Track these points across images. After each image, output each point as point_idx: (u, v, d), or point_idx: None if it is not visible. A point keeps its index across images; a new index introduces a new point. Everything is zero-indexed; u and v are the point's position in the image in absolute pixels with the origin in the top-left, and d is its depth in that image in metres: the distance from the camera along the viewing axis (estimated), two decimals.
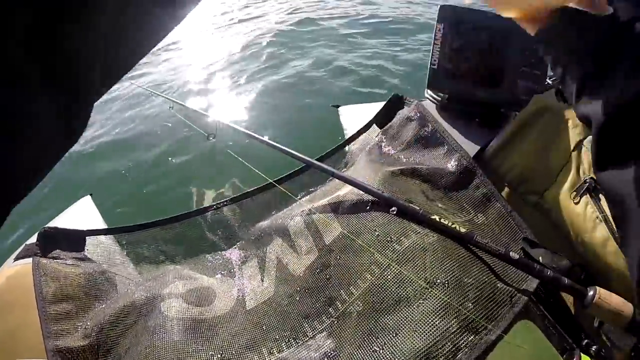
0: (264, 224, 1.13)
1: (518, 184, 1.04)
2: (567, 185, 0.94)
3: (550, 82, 1.19)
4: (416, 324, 0.72)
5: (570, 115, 0.98)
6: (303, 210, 1.05)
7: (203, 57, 4.97)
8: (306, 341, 0.82)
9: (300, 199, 1.17)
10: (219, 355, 0.83)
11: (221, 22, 6.32)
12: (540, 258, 0.84)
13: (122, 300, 0.96)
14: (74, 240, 1.12)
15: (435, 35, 1.16)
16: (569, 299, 0.84)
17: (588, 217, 0.89)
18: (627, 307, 0.72)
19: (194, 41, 5.68)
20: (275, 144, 1.18)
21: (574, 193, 0.92)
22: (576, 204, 0.91)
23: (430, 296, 0.74)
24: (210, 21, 6.38)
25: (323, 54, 4.66)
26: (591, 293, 0.74)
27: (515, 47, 1.14)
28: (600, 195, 0.88)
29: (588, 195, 0.90)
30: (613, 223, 0.84)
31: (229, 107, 3.81)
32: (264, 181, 1.21)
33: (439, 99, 1.25)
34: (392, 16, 6.01)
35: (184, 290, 0.98)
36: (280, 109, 3.51)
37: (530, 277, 0.80)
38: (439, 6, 1.16)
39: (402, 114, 1.21)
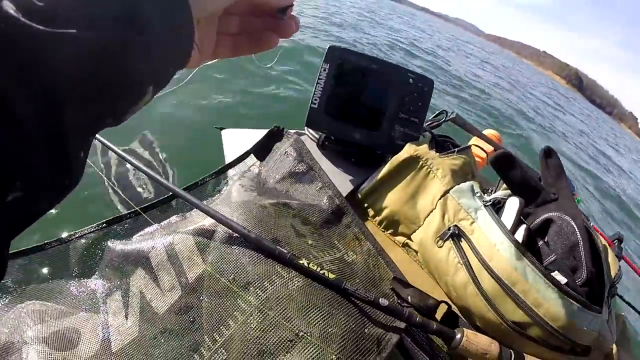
0: (125, 248, 1.03)
1: (387, 225, 1.08)
2: (432, 230, 1.00)
3: (427, 127, 1.27)
4: None
5: (441, 165, 1.05)
6: (165, 239, 0.98)
7: None
8: None
9: (159, 223, 1.10)
10: None
11: None
12: (409, 297, 0.86)
13: None
14: None
15: (319, 75, 1.17)
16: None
17: (450, 262, 0.95)
18: (493, 347, 0.78)
19: None
20: (142, 167, 1.11)
21: (438, 238, 0.98)
22: (439, 247, 0.97)
23: (294, 349, 0.72)
24: None
25: (218, 73, 4.59)
26: (458, 336, 0.78)
27: (396, 94, 1.19)
28: (462, 242, 0.95)
29: (451, 241, 0.96)
30: (473, 269, 0.91)
31: None
32: (131, 206, 1.16)
33: (317, 137, 1.26)
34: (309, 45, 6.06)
35: (48, 332, 0.87)
36: (160, 123, 3.38)
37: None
38: (328, 46, 1.18)
39: (280, 147, 1.20)
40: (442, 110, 1.35)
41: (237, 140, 1.49)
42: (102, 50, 0.30)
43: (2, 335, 0.86)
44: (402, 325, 0.80)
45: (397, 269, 0.97)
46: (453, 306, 0.90)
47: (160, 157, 2.95)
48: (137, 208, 1.14)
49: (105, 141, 1.20)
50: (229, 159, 1.35)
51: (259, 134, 1.26)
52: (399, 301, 0.87)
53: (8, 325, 0.89)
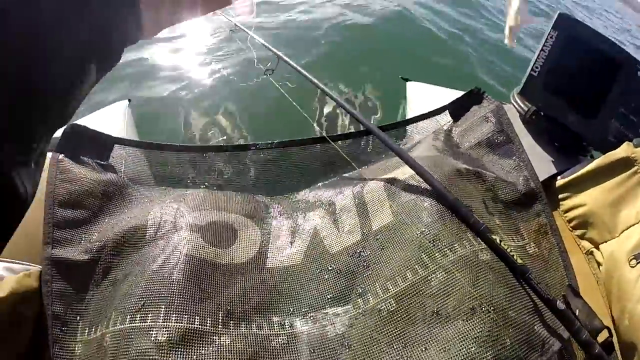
0: (311, 190, 1.09)
1: (578, 225, 1.02)
2: (628, 246, 0.91)
3: None
4: (449, 344, 0.69)
5: None
6: (356, 184, 1.01)
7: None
8: (324, 325, 0.78)
9: (357, 168, 1.11)
10: (226, 310, 0.77)
11: None
12: (577, 310, 0.81)
13: (135, 221, 0.90)
14: (102, 145, 1.05)
15: (545, 41, 1.10)
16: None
17: (638, 287, 0.86)
18: None
19: None
20: (336, 97, 1.13)
21: (633, 257, 0.89)
22: (631, 267, 0.89)
23: (472, 319, 0.71)
24: None
25: (408, 18, 4.48)
26: None
27: (621, 85, 1.09)
28: None
29: None
30: None
31: (292, 48, 3.59)
32: (313, 134, 1.17)
33: (525, 109, 1.19)
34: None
35: (205, 222, 0.90)
36: (347, 63, 3.40)
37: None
38: (557, 13, 1.10)
39: (478, 110, 1.17)
40: None
41: (421, 94, 1.47)
42: (30, 27, 0.29)
43: (157, 215, 0.91)
44: (566, 335, 0.77)
45: (574, 276, 0.92)
46: (614, 336, 0.83)
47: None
48: (324, 134, 1.16)
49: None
50: (411, 111, 1.33)
51: (445, 92, 1.24)
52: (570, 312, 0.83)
53: (168, 206, 0.94)
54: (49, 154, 0.95)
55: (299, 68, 1.27)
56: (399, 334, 0.73)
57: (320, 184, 1.11)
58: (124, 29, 0.37)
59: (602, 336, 0.78)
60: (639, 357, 0.83)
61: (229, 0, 0.48)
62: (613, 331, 0.85)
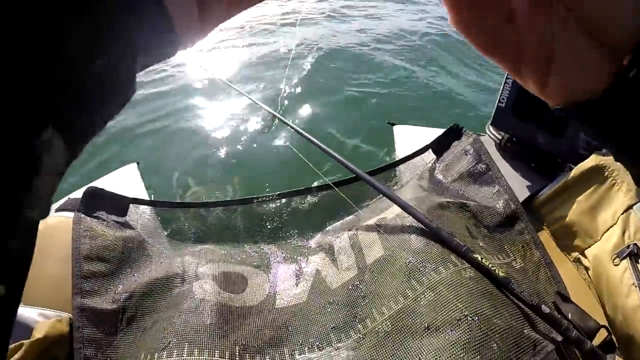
0: (312, 237, 1.22)
1: (561, 236, 1.11)
2: (610, 246, 1.00)
3: None
4: (440, 353, 0.78)
5: (627, 178, 1.05)
6: (351, 227, 1.13)
7: (261, 53, 4.94)
8: (329, 351, 0.89)
9: (358, 209, 1.24)
10: (242, 345, 0.88)
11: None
12: (569, 314, 0.89)
13: (156, 273, 1.02)
14: (118, 204, 1.18)
15: (507, 74, 1.21)
16: None
17: (624, 282, 0.94)
18: None
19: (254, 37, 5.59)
20: (330, 150, 1.27)
21: (615, 256, 0.98)
22: (615, 265, 0.97)
23: (459, 329, 0.80)
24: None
25: (390, 68, 4.66)
26: None
27: None
28: (639, 264, 0.96)
29: (628, 260, 0.95)
30: None
31: (286, 105, 3.78)
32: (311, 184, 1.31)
33: (500, 137, 1.33)
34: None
35: (218, 272, 1.03)
36: (335, 115, 3.56)
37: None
38: None
39: (458, 145, 1.30)
40: None
41: (408, 136, 1.60)
42: None
43: (175, 267, 1.05)
44: (559, 337, 0.84)
45: (563, 284, 1.01)
46: (613, 336, 0.89)
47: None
48: (328, 182, 1.32)
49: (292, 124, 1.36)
50: (400, 152, 1.45)
51: (430, 132, 1.35)
52: (559, 315, 0.90)
53: (184, 260, 1.08)
54: (72, 214, 1.09)
55: (293, 125, 1.42)
56: (395, 350, 0.83)
57: (320, 231, 1.24)
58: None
59: (601, 336, 0.86)
60: (638, 348, 0.90)
61: None
62: (610, 329, 0.92)
